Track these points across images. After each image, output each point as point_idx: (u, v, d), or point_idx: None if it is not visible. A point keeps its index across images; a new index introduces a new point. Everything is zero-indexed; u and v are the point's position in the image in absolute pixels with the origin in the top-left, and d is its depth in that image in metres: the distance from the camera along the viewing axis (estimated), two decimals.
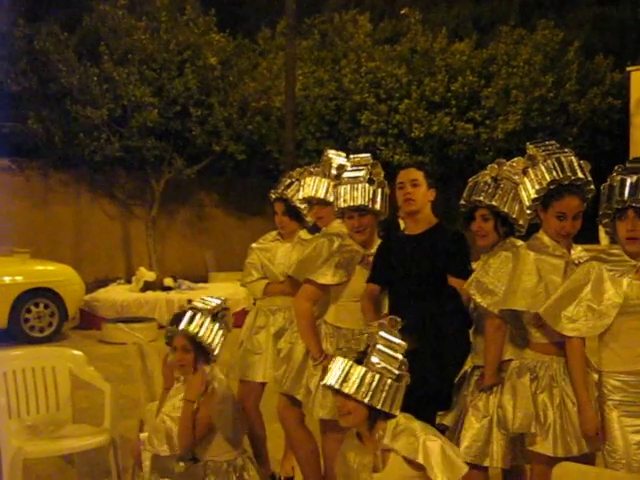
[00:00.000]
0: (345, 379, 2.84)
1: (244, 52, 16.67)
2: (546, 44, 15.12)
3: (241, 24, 18.09)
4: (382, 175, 3.95)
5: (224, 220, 18.51)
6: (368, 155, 4.06)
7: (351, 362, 2.87)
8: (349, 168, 3.95)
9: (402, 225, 4.61)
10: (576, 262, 3.20)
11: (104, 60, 13.91)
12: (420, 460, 2.75)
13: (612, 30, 18.11)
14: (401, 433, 2.82)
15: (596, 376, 3.16)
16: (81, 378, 4.34)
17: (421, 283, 3.61)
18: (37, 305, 9.56)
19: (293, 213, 4.43)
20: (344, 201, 3.83)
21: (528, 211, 3.32)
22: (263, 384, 4.48)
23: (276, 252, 4.51)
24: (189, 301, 4.11)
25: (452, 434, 3.43)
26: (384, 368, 2.85)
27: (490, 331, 3.33)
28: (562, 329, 3.03)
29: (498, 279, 3.31)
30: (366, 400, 2.81)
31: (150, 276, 11.50)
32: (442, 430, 3.39)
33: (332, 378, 2.88)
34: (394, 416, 2.87)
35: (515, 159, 3.64)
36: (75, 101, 13.85)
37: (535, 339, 3.22)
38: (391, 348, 2.90)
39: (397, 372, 2.85)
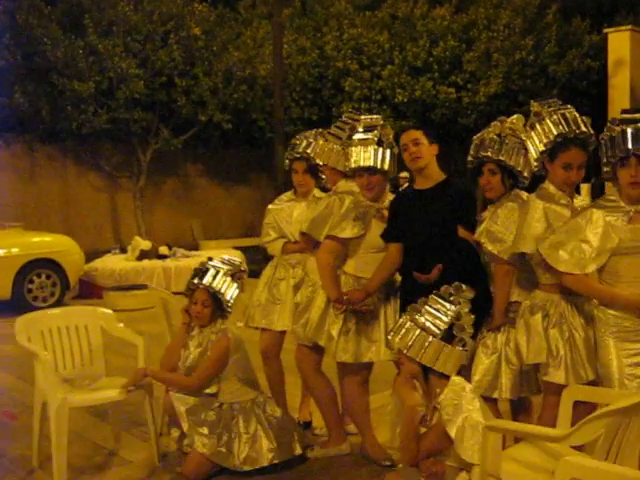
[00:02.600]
0: (400, 336, 3.12)
1: (226, 22, 16.75)
2: (525, 7, 15.35)
3: None
4: (391, 136, 4.24)
5: (210, 189, 18.72)
6: (379, 116, 4.33)
7: (409, 322, 3.14)
8: (360, 129, 4.21)
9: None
10: (579, 209, 3.50)
11: (88, 32, 13.94)
12: (452, 434, 2.99)
13: None
14: (451, 403, 3.04)
15: (595, 310, 3.47)
16: (113, 334, 4.60)
17: (432, 235, 3.90)
18: (39, 276, 9.75)
19: (313, 171, 4.69)
20: (355, 162, 4.11)
21: (535, 163, 3.62)
22: (283, 332, 4.76)
23: (292, 212, 4.77)
24: (209, 258, 4.40)
25: (467, 371, 3.75)
26: (427, 326, 3.10)
27: (499, 276, 3.65)
28: (558, 265, 3.30)
29: (506, 228, 3.63)
30: (416, 358, 3.08)
31: (146, 245, 11.71)
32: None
33: (391, 335, 3.20)
34: (446, 376, 3.13)
35: (515, 116, 3.94)
36: (61, 74, 13.91)
37: (544, 280, 3.51)
38: (439, 310, 3.15)
39: (439, 331, 3.09)
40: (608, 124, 3.35)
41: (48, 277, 9.85)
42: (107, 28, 14.33)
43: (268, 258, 5.03)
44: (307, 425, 4.90)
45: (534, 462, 2.91)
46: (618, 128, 3.29)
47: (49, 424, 4.21)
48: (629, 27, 14.92)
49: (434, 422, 3.07)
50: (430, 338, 3.09)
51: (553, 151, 3.55)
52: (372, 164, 4.06)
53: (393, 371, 4.47)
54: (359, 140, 4.12)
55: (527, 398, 3.96)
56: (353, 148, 4.11)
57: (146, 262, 11.43)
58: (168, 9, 14.91)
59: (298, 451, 4.23)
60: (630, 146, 3.22)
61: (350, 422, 4.60)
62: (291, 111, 16.71)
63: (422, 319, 3.12)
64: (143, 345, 4.43)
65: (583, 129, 3.53)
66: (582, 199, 3.66)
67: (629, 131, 3.24)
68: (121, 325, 4.62)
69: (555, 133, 3.53)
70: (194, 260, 11.74)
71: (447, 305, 3.21)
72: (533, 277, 3.61)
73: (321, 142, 4.58)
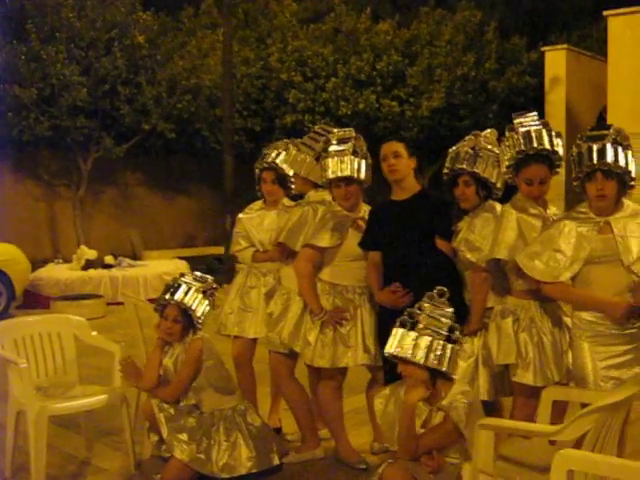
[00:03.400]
0: (400, 345, 3.21)
1: (169, 30, 16.70)
2: (466, 24, 15.79)
3: (164, 2, 18.03)
4: (365, 147, 4.38)
5: (149, 199, 18.55)
6: (351, 129, 4.46)
7: (403, 330, 3.23)
8: (334, 142, 4.33)
9: None
10: (551, 219, 3.70)
11: (31, 38, 13.72)
12: (466, 434, 3.11)
13: (523, 11, 18.97)
14: (459, 404, 3.15)
15: (569, 320, 3.67)
16: (87, 342, 4.59)
17: (410, 245, 4.04)
18: None
19: (282, 181, 4.79)
20: (332, 172, 4.23)
21: (506, 175, 3.82)
22: (255, 340, 4.83)
23: (263, 220, 4.85)
24: (181, 275, 4.40)
25: None
26: (433, 332, 3.20)
27: (477, 283, 3.82)
28: (534, 274, 3.48)
29: (483, 237, 3.80)
30: (421, 362, 3.17)
31: (92, 254, 11.57)
32: None
33: (390, 347, 3.25)
34: (452, 378, 3.25)
35: (488, 130, 4.14)
36: (2, 80, 13.63)
37: (516, 286, 3.70)
38: (438, 315, 3.26)
39: (446, 334, 3.20)
40: (576, 141, 3.55)
41: None
42: (50, 34, 14.12)
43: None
44: (277, 431, 4.96)
45: (523, 459, 3.07)
46: (585, 145, 3.50)
47: (21, 434, 4.20)
48: (565, 46, 15.52)
49: (436, 422, 3.19)
50: (439, 342, 3.19)
51: (516, 166, 3.75)
52: (349, 174, 4.18)
53: (366, 375, 4.61)
54: (335, 152, 4.24)
55: (497, 400, 4.13)
56: (330, 159, 4.23)
57: (92, 271, 11.30)
58: (112, 17, 14.79)
59: (276, 461, 4.26)
60: (595, 161, 3.42)
61: (323, 427, 4.69)
62: (234, 121, 16.74)
63: (423, 325, 3.22)
64: (120, 353, 4.42)
65: (546, 146, 3.72)
66: (555, 209, 3.84)
67: (594, 148, 3.45)
68: (94, 333, 4.60)
69: (516, 149, 3.73)
70: (141, 270, 11.70)
71: (443, 308, 3.32)
72: (506, 283, 3.80)
73: (294, 152, 4.67)
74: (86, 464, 4.53)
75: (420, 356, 3.18)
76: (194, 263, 12.43)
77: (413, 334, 3.22)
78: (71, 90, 14.06)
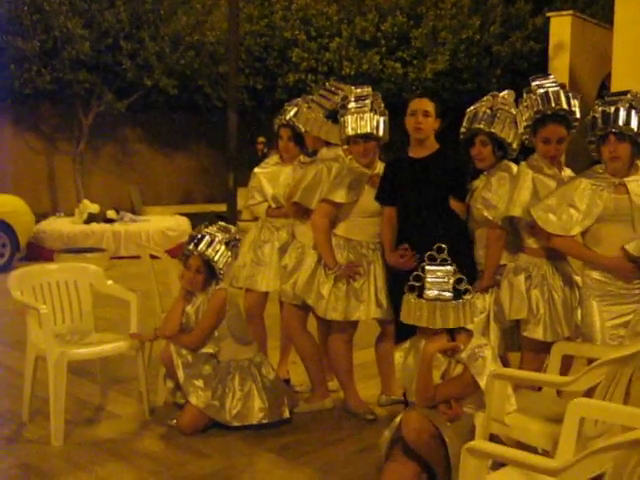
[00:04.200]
0: (414, 315, 3.26)
1: None
2: None
3: None
4: (382, 105, 4.43)
5: (149, 155, 18.53)
6: (369, 87, 4.51)
7: (413, 297, 3.27)
8: (352, 99, 4.38)
9: None
10: (566, 179, 3.78)
11: None
12: (482, 385, 3.18)
13: None
14: (478, 357, 3.23)
15: (579, 278, 3.78)
16: (102, 292, 4.67)
17: (425, 203, 4.12)
18: None
19: (298, 139, 4.84)
20: (352, 129, 4.29)
21: (524, 136, 3.89)
22: (266, 293, 4.93)
23: (278, 175, 4.91)
24: (205, 225, 4.48)
25: None
26: (439, 296, 3.25)
27: (492, 239, 3.92)
28: (547, 227, 3.59)
29: (499, 196, 3.90)
30: (438, 326, 3.24)
31: (94, 208, 11.61)
32: None
33: (404, 316, 3.32)
34: (469, 330, 3.34)
35: (506, 92, 4.21)
36: (5, 32, 13.51)
37: (529, 244, 3.81)
38: (442, 274, 3.31)
39: (452, 294, 3.25)
40: (594, 106, 3.63)
41: None
42: None
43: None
44: (285, 383, 5.08)
45: (532, 409, 3.19)
46: (600, 109, 3.58)
47: (38, 380, 4.30)
48: (570, 12, 15.44)
49: (455, 374, 3.29)
50: (449, 303, 3.25)
51: (534, 126, 3.83)
52: (369, 131, 4.24)
53: (374, 330, 4.72)
54: (354, 109, 4.29)
55: (505, 355, 4.25)
56: (349, 116, 4.28)
57: (94, 225, 11.35)
58: None
59: (286, 414, 4.37)
60: (608, 124, 3.51)
61: (331, 379, 4.81)
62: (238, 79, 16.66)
63: (431, 292, 3.27)
64: (136, 302, 4.51)
65: (563, 106, 3.80)
66: (570, 172, 3.92)
67: (607, 111, 3.54)
68: (110, 282, 4.68)
69: (535, 109, 3.81)
70: (143, 225, 11.76)
71: (443, 268, 3.38)
72: (519, 241, 3.89)
73: (305, 110, 4.70)
74: (100, 410, 4.65)
75: (436, 322, 3.23)
76: (194, 220, 12.49)
77: (424, 303, 3.25)
78: (74, 43, 13.94)
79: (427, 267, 3.33)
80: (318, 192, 4.36)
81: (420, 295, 3.28)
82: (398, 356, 3.50)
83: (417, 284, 3.31)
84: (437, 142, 4.24)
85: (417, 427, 3.15)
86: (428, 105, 4.13)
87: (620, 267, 3.49)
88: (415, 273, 3.35)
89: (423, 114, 4.11)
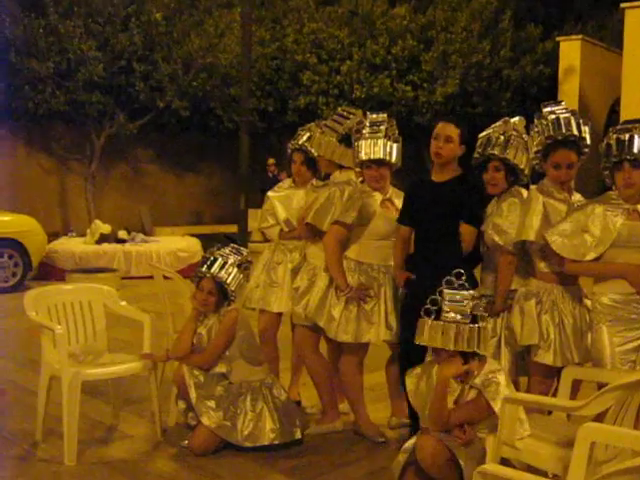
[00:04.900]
0: (429, 336, 3.31)
1: (186, 8, 16.72)
2: (482, 12, 15.80)
3: None
4: (397, 131, 4.50)
5: (160, 176, 18.66)
6: (384, 114, 4.57)
7: (430, 320, 3.32)
8: (368, 124, 4.45)
9: None
10: (576, 205, 3.82)
11: (49, 12, 13.77)
12: (497, 410, 3.21)
13: (539, 0, 18.93)
14: (492, 382, 3.28)
15: (589, 302, 3.80)
16: (116, 312, 4.72)
17: (441, 226, 4.15)
18: (1, 255, 9.67)
19: (310, 163, 4.91)
20: (365, 154, 4.35)
21: (534, 161, 3.95)
22: (280, 314, 4.98)
23: (291, 199, 4.98)
24: (218, 247, 4.54)
25: None
26: (458, 317, 3.29)
27: (503, 265, 3.95)
28: (562, 251, 3.62)
29: (510, 221, 3.94)
30: (452, 348, 3.27)
31: (106, 229, 11.71)
32: None
33: (420, 338, 3.36)
34: (483, 356, 3.38)
35: (517, 118, 4.26)
36: (20, 53, 13.71)
37: (540, 269, 3.84)
38: (460, 298, 3.36)
39: (470, 316, 3.30)
40: (608, 133, 3.69)
41: (10, 257, 9.77)
42: (68, 9, 14.16)
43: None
44: (297, 405, 5.10)
45: (543, 433, 3.21)
46: (614, 136, 3.63)
47: (52, 400, 4.34)
48: (580, 37, 15.55)
49: (468, 399, 3.31)
50: (465, 326, 3.28)
51: (545, 151, 3.89)
52: (382, 157, 4.30)
53: (384, 354, 4.75)
54: (369, 134, 4.36)
55: (516, 379, 4.26)
56: (363, 142, 4.35)
57: (106, 246, 11.45)
58: None
59: (298, 435, 4.40)
60: (622, 152, 3.56)
61: (342, 401, 4.83)
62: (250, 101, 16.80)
63: (449, 314, 3.31)
64: (149, 323, 4.56)
65: (574, 132, 3.85)
66: (580, 197, 3.97)
67: (622, 138, 3.59)
68: (124, 303, 4.73)
69: (546, 135, 3.86)
70: (154, 246, 11.84)
71: (462, 292, 3.41)
72: (530, 266, 3.93)
73: (318, 134, 4.77)
74: (113, 430, 4.68)
75: (450, 343, 3.27)
76: (204, 241, 12.56)
77: (440, 324, 3.30)
78: (87, 65, 14.12)
79: (445, 291, 3.37)
80: (330, 214, 4.41)
81: (437, 318, 3.32)
82: (410, 382, 3.52)
83: (434, 308, 3.35)
84: (460, 167, 4.25)
85: (432, 452, 3.18)
86: (452, 131, 4.11)
87: (637, 274, 3.50)
88: (432, 297, 3.38)
89: (445, 139, 4.11)
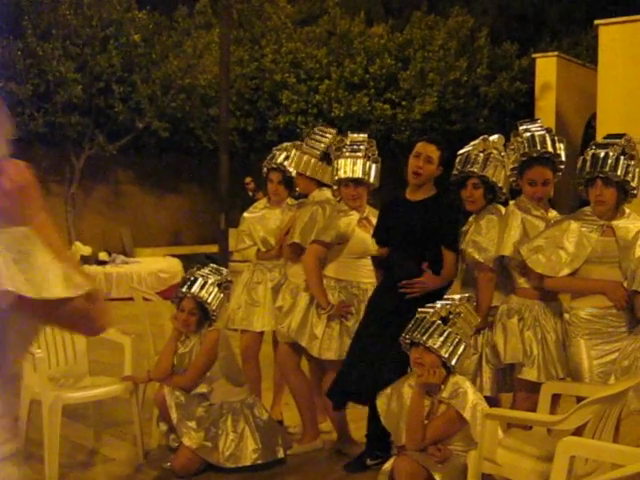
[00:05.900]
0: (431, 335, 3.35)
1: (164, 30, 16.77)
2: (458, 30, 15.99)
3: (159, 1, 18.08)
4: (376, 152, 4.54)
5: (140, 197, 18.60)
6: (364, 135, 4.61)
7: (438, 321, 3.37)
8: (348, 143, 4.49)
9: None
10: (553, 221, 3.87)
11: (27, 35, 13.78)
12: (467, 417, 3.25)
13: (515, 18, 19.23)
14: (459, 392, 3.32)
15: (567, 315, 3.84)
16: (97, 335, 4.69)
17: (415, 244, 4.18)
18: None
19: (287, 182, 4.94)
20: (344, 172, 4.39)
21: (511, 179, 3.99)
22: (262, 333, 5.00)
23: (268, 218, 5.01)
24: (197, 267, 4.54)
25: None
26: (464, 334, 3.39)
27: (483, 282, 3.98)
28: (537, 267, 3.67)
29: (489, 238, 3.97)
30: (445, 355, 3.32)
31: (86, 251, 11.67)
32: None
33: (417, 333, 3.39)
34: (453, 373, 3.42)
35: (496, 136, 4.31)
36: None
37: (520, 284, 3.87)
38: (470, 320, 3.43)
39: (471, 338, 3.41)
40: (588, 148, 3.74)
41: None
42: (46, 31, 14.17)
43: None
44: (279, 424, 5.09)
45: (523, 448, 3.23)
46: (591, 152, 3.68)
47: (32, 424, 4.30)
48: (555, 53, 15.76)
49: (439, 413, 3.34)
50: (464, 344, 3.40)
51: (521, 168, 3.93)
52: (361, 176, 4.33)
53: None
54: (349, 153, 4.39)
55: (497, 396, 4.28)
56: (343, 160, 4.38)
57: (86, 267, 11.36)
58: (108, 14, 14.85)
59: (281, 454, 4.39)
60: (595, 169, 3.61)
61: (323, 420, 4.83)
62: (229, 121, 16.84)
63: (458, 327, 3.41)
64: (130, 345, 4.54)
65: (549, 149, 3.90)
66: (556, 214, 4.02)
67: (597, 155, 3.64)
68: None
69: (521, 152, 3.91)
70: (135, 267, 11.81)
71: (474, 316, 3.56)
72: (510, 283, 3.96)
73: (297, 153, 4.81)
74: (94, 453, 4.66)
75: (445, 350, 3.32)
76: (185, 261, 12.54)
77: (447, 329, 3.36)
78: (66, 87, 14.11)
79: (461, 308, 3.47)
80: (315, 232, 4.44)
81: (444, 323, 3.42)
82: (381, 403, 3.54)
83: (450, 319, 3.44)
84: (435, 187, 4.28)
85: (409, 472, 3.19)
86: (433, 151, 4.15)
87: (615, 290, 3.54)
88: (451, 310, 3.47)
89: (425, 159, 4.14)
